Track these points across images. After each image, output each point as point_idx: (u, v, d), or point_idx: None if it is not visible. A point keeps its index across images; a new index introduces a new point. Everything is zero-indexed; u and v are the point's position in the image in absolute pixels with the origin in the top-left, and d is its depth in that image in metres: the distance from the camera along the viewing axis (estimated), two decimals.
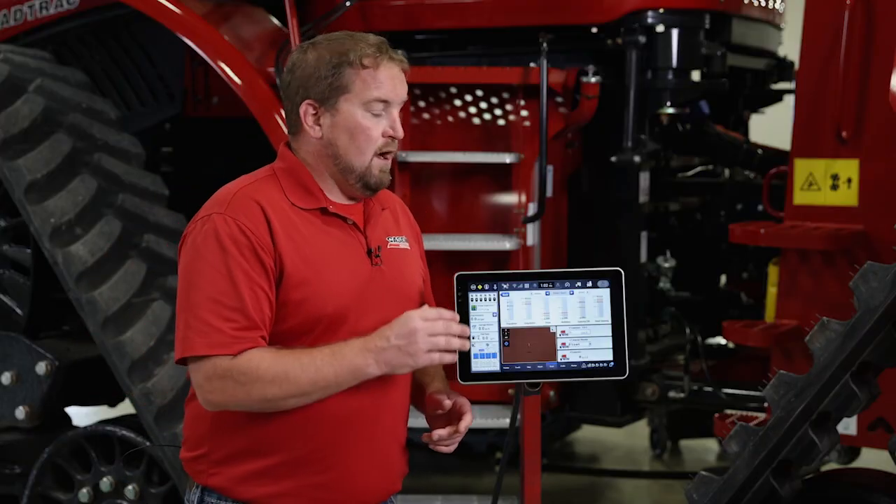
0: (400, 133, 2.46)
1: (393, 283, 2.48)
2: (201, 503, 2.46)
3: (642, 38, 4.37)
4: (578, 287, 2.47)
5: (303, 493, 2.41)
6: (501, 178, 4.43)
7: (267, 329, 2.36)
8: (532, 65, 4.31)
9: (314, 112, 2.46)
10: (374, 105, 2.42)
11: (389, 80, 2.43)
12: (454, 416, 2.52)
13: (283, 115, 4.32)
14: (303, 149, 2.49)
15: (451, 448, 2.52)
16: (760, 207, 4.69)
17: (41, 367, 4.21)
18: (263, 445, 2.40)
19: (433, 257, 2.67)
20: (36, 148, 4.23)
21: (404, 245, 2.56)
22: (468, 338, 2.40)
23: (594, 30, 4.49)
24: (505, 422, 4.22)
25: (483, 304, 2.45)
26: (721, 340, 5.10)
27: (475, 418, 4.22)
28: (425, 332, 2.32)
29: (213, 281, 2.33)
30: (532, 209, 4.37)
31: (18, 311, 4.34)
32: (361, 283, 2.43)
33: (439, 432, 2.47)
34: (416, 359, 2.33)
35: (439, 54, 4.74)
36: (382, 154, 2.45)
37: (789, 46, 5.08)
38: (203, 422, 2.46)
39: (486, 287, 2.45)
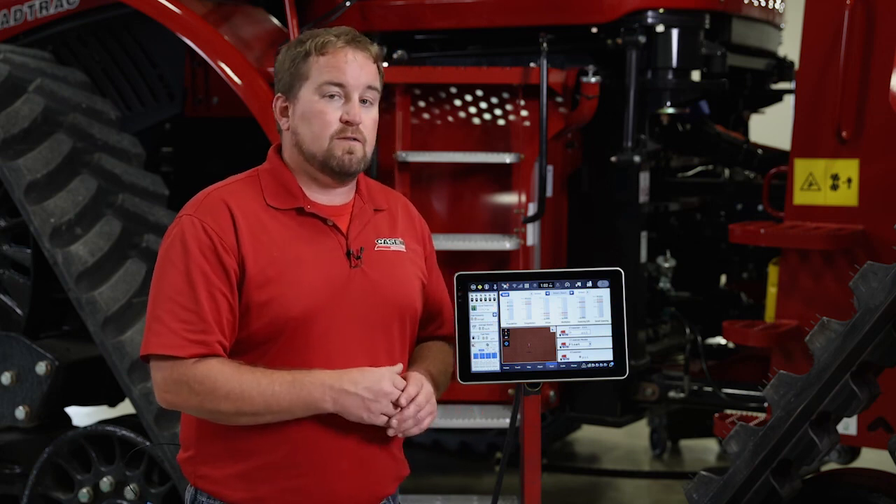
0: (355, 118, 2.42)
1: (375, 287, 2.45)
2: (194, 502, 2.48)
3: (642, 38, 4.37)
4: (578, 287, 2.47)
5: (280, 498, 2.42)
6: (501, 178, 4.43)
7: (226, 333, 2.36)
8: (532, 65, 4.31)
9: (283, 104, 2.49)
10: (326, 88, 2.42)
11: (346, 65, 2.42)
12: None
13: None
14: (284, 147, 2.52)
15: (421, 427, 2.41)
16: (760, 207, 4.68)
17: (41, 367, 4.21)
18: (241, 450, 2.41)
19: None
20: (36, 148, 4.23)
21: (397, 247, 2.53)
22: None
23: (594, 30, 4.48)
24: (505, 422, 4.22)
25: (483, 304, 2.45)
26: (721, 340, 5.10)
27: (475, 418, 4.26)
28: (391, 397, 2.34)
29: (173, 282, 2.37)
30: (532, 209, 4.37)
31: (18, 311, 4.34)
32: (335, 286, 2.41)
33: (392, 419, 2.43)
34: (371, 416, 2.35)
35: (439, 54, 4.74)
36: (344, 138, 2.43)
37: (789, 46, 5.08)
38: (190, 424, 2.48)
39: (486, 287, 2.45)
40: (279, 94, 2.49)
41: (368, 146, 2.47)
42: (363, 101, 2.45)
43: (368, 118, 2.46)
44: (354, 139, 2.43)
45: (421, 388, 2.40)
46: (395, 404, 2.37)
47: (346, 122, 2.43)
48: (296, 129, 2.46)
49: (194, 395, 2.33)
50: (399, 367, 2.42)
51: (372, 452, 2.47)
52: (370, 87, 2.46)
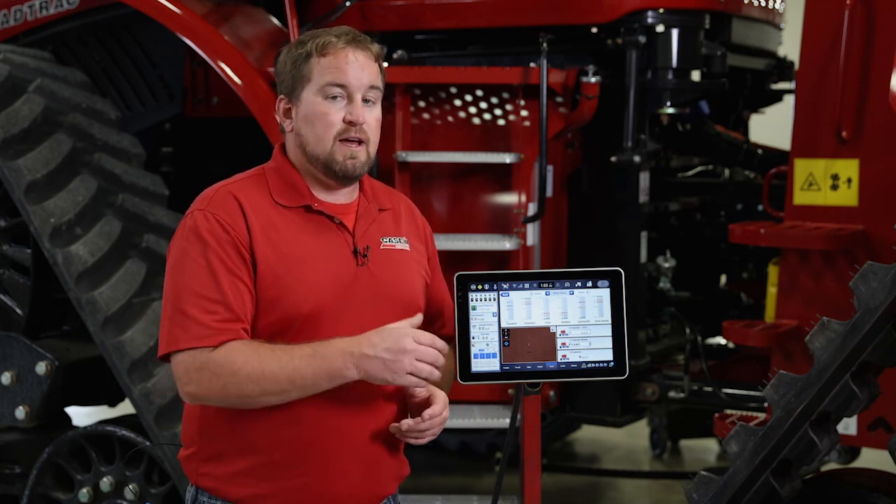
0: (358, 118, 2.42)
1: (381, 285, 2.46)
2: (195, 501, 2.48)
3: (642, 38, 4.37)
4: (578, 287, 2.47)
5: (283, 496, 2.41)
6: (501, 178, 4.43)
7: (249, 322, 2.36)
8: (532, 65, 4.31)
9: (286, 106, 2.49)
10: (329, 89, 2.42)
11: (348, 66, 2.42)
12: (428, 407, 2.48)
13: None
14: (288, 147, 2.52)
15: (422, 440, 2.45)
16: (760, 207, 4.69)
17: (41, 367, 4.20)
18: (244, 447, 2.41)
19: None
20: (36, 148, 4.23)
21: (401, 246, 2.54)
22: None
23: (594, 30, 4.49)
24: (505, 422, 4.22)
25: (483, 304, 2.44)
26: (721, 340, 5.10)
27: (475, 418, 4.26)
28: (414, 354, 2.32)
29: (195, 275, 2.35)
30: (532, 209, 4.37)
31: (18, 311, 4.34)
32: (343, 284, 2.42)
33: (406, 422, 2.44)
34: (396, 377, 2.33)
35: (439, 54, 4.74)
36: (347, 140, 2.43)
37: (789, 46, 5.09)
38: (192, 422, 2.48)
39: (486, 287, 2.45)
40: (281, 96, 2.50)
41: (372, 146, 2.47)
42: (366, 101, 2.45)
43: (371, 118, 2.46)
44: (358, 140, 2.44)
45: (444, 410, 2.45)
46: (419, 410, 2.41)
47: (350, 123, 2.43)
48: (299, 130, 2.46)
49: (217, 380, 2.31)
50: (419, 317, 2.42)
51: (374, 451, 2.47)
52: (372, 87, 2.46)
